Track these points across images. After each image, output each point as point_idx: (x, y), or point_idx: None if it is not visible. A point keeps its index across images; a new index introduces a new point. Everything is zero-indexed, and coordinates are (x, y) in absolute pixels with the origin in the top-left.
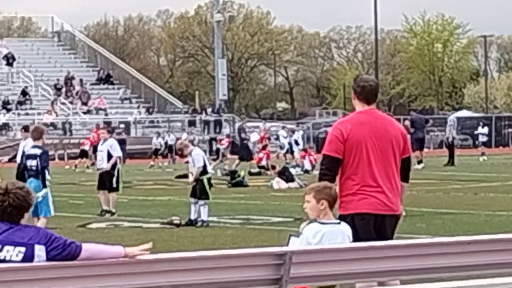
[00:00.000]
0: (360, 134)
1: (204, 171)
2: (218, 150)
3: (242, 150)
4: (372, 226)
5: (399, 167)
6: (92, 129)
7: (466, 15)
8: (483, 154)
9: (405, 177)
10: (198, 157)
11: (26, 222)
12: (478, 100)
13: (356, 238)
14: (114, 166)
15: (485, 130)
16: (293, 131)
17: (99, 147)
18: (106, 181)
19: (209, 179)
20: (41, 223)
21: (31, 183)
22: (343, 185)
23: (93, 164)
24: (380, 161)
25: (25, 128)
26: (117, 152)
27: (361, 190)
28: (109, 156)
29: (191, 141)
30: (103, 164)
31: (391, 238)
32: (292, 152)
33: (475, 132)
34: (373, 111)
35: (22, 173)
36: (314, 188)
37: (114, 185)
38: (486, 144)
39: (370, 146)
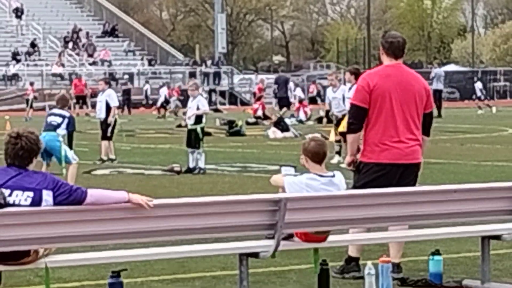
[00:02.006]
0: (386, 86)
1: (200, 120)
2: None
3: (283, 100)
4: (393, 175)
5: (421, 121)
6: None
7: None
8: (489, 106)
9: (426, 131)
10: (204, 101)
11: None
12: (465, 55)
13: (375, 186)
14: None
15: (479, 84)
16: (296, 85)
17: (98, 98)
18: (104, 130)
19: (202, 129)
20: (73, 167)
21: (45, 137)
22: (367, 134)
23: (86, 114)
24: (403, 112)
25: None
26: (114, 102)
27: (383, 141)
28: (107, 106)
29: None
30: (101, 114)
31: (413, 185)
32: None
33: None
34: (399, 66)
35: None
36: None
37: (109, 134)
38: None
39: (394, 98)
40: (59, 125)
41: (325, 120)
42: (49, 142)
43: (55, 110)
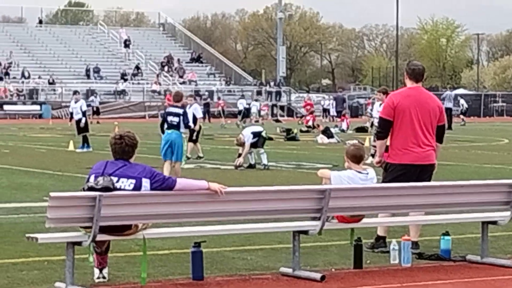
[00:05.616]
0: (406, 104)
1: (259, 132)
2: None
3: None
4: (413, 173)
5: (435, 132)
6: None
7: (464, 17)
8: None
9: (440, 139)
10: (248, 137)
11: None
12: (471, 81)
13: (399, 181)
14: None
15: (463, 101)
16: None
17: (187, 111)
18: (190, 134)
19: (266, 134)
20: (178, 165)
21: (172, 133)
22: (392, 141)
23: None
24: (420, 124)
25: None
26: (199, 114)
27: (405, 146)
28: (194, 117)
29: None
30: (190, 122)
31: (429, 181)
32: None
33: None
34: (419, 88)
35: (162, 125)
36: None
37: (194, 138)
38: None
39: (413, 113)
40: (178, 124)
41: (370, 129)
42: (177, 139)
43: (171, 109)
